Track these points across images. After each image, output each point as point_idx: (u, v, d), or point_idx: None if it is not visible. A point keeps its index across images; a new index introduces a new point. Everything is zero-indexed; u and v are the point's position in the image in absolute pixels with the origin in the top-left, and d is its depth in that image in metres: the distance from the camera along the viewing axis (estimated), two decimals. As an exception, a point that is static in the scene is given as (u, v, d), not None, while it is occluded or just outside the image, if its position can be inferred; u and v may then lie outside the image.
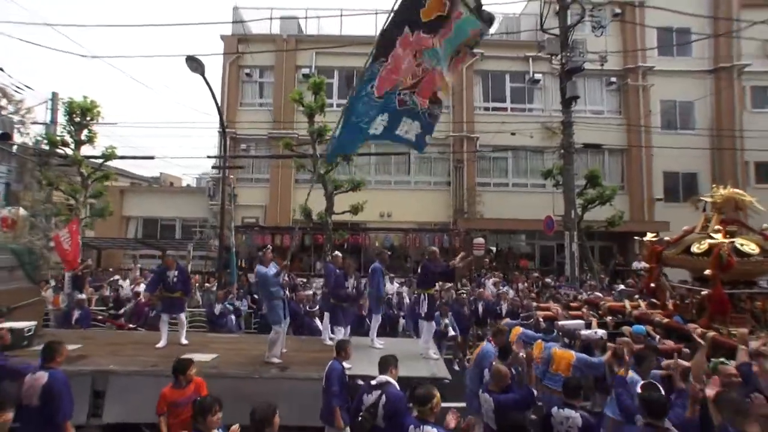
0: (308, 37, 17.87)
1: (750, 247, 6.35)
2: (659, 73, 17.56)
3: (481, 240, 14.39)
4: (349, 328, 6.58)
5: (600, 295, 9.61)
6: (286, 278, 9.08)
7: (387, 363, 4.06)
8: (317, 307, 8.54)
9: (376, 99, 5.37)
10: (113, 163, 14.60)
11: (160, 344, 6.65)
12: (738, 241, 6.39)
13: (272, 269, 6.32)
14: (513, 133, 15.48)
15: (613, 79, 17.21)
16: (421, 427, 3.23)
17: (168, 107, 70.97)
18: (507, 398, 3.86)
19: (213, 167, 16.48)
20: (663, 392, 3.38)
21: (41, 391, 3.90)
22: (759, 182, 17.45)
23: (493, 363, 4.29)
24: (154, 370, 5.51)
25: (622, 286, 11.57)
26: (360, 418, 4.01)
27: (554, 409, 3.63)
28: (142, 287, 10.33)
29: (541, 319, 7.06)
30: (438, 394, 3.45)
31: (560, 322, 6.54)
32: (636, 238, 9.12)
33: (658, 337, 5.97)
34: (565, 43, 11.31)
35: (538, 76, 17.20)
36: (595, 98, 17.53)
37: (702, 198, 7.49)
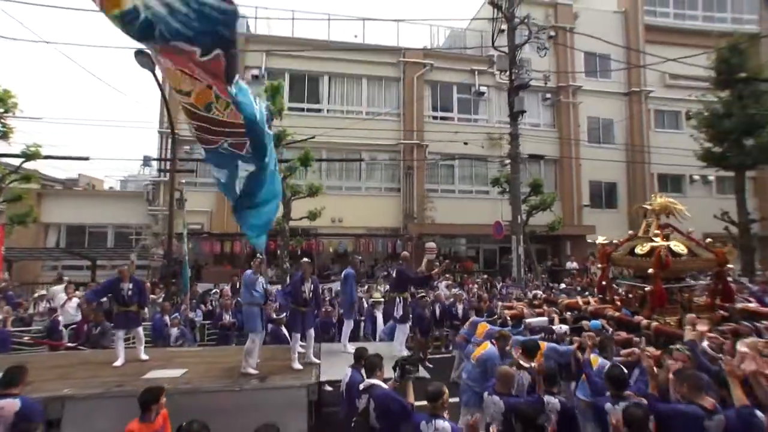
0: (259, 37, 17.35)
1: (680, 248, 7.41)
2: (586, 92, 19.52)
3: (432, 244, 14.85)
4: (312, 332, 6.46)
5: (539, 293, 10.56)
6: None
7: (373, 366, 4.18)
8: (283, 314, 8.37)
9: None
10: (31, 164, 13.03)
11: (118, 362, 6.07)
12: (672, 244, 7.45)
13: (260, 279, 6.13)
14: (466, 143, 16.28)
15: (548, 96, 18.77)
16: (433, 422, 3.36)
17: (98, 105, 64.49)
18: (518, 402, 3.96)
19: (160, 170, 15.31)
20: (624, 371, 4.00)
21: (14, 419, 3.51)
22: (661, 191, 19.91)
23: (500, 366, 4.53)
24: (121, 391, 5.07)
25: (563, 285, 12.64)
26: (353, 423, 4.09)
27: None
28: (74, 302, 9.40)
29: (508, 317, 7.49)
30: (447, 391, 3.65)
31: (527, 320, 7.07)
32: (591, 240, 10.08)
33: (611, 329, 6.65)
34: (514, 61, 12.17)
35: (483, 88, 18.23)
36: (532, 112, 18.84)
37: (643, 206, 8.53)
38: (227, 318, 9.28)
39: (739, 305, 7.55)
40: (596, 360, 4.78)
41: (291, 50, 16.78)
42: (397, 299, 7.10)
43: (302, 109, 14.13)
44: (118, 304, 6.46)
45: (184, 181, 13.03)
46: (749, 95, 15.77)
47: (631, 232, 8.56)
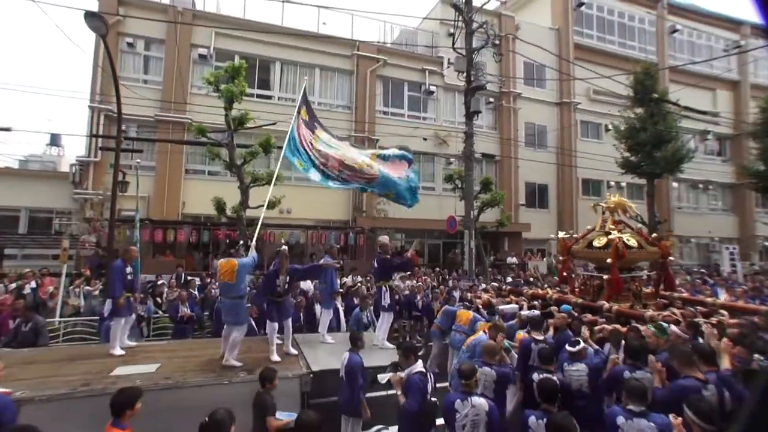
0: (207, 14, 16.23)
1: (632, 241, 8.31)
2: (525, 99, 21.02)
3: (385, 238, 15.04)
4: (290, 322, 6.33)
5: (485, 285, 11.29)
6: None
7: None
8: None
9: (298, 140, 7.22)
10: None
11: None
12: (625, 237, 8.32)
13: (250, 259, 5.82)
14: (425, 139, 16.67)
15: (491, 100, 19.88)
16: (469, 399, 3.54)
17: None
18: (506, 370, 4.51)
19: (101, 148, 13.57)
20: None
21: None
22: (584, 194, 22.24)
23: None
24: (90, 390, 4.54)
25: (509, 279, 13.51)
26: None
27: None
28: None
29: (480, 306, 7.89)
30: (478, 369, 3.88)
31: (500, 307, 7.54)
32: (552, 238, 10.85)
33: (575, 314, 7.31)
34: (471, 63, 12.75)
35: (432, 88, 18.77)
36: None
37: (599, 204, 9.40)
38: (184, 311, 8.58)
39: (675, 294, 8.70)
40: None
41: (242, 32, 15.90)
42: (383, 288, 7.13)
43: (252, 95, 13.49)
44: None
45: (138, 161, 11.71)
46: (659, 114, 18.09)
47: (588, 227, 9.35)
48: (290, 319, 6.24)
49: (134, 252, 6.15)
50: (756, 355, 4.18)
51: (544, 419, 3.34)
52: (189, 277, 11.28)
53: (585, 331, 5.50)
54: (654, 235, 9.60)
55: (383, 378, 3.82)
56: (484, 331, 5.92)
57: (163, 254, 13.65)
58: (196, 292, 9.98)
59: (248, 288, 6.19)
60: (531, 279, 13.51)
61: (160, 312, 9.40)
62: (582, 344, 4.73)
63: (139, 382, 4.60)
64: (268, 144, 10.81)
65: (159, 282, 10.47)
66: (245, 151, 10.99)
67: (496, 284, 11.37)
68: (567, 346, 4.70)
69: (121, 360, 5.52)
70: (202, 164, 16.22)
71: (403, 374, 3.85)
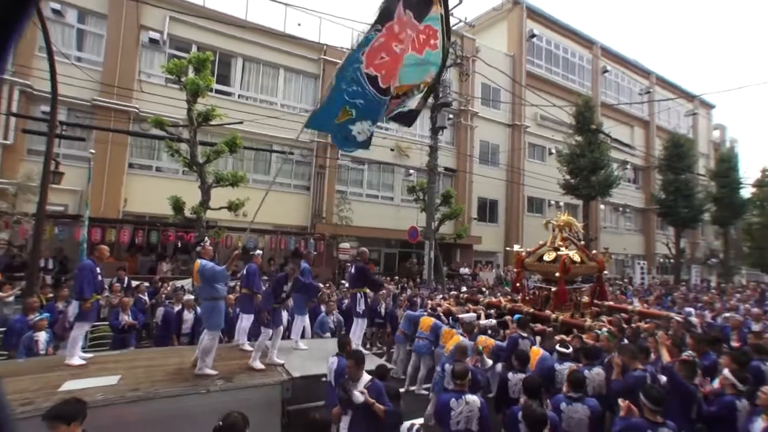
0: (162, -5, 15.09)
1: (576, 257, 9.14)
2: (481, 118, 22.03)
3: (346, 245, 14.97)
4: (281, 330, 6.16)
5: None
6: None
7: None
8: (237, 309, 7.61)
9: (366, 77, 4.80)
10: None
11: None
12: (571, 253, 9.10)
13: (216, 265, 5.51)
14: (392, 149, 16.78)
15: (451, 116, 20.55)
16: (463, 397, 3.85)
17: None
18: (476, 369, 5.03)
19: (25, 131, 11.89)
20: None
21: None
22: (529, 211, 23.70)
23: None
24: (35, 409, 3.82)
25: (464, 288, 13.94)
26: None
27: None
28: None
29: (441, 314, 8.22)
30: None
31: (460, 316, 7.87)
32: (502, 250, 11.28)
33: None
34: (438, 81, 13.16)
35: (395, 100, 19.02)
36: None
37: (550, 221, 10.11)
38: (126, 318, 7.82)
39: (606, 303, 9.70)
40: (538, 351, 5.76)
41: (200, 20, 14.98)
42: (359, 294, 7.09)
43: (210, 89, 12.70)
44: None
45: (93, 151, 10.33)
46: (595, 143, 19.89)
47: (540, 242, 10.05)
48: (281, 327, 5.98)
49: (105, 251, 5.61)
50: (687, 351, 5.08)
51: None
52: (134, 281, 10.33)
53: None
54: (594, 251, 10.57)
55: (359, 398, 3.76)
56: (462, 334, 6.37)
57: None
58: (146, 298, 9.16)
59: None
60: (483, 289, 14.06)
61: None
62: (571, 348, 5.23)
63: (101, 396, 4.22)
64: (235, 143, 10.29)
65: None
66: (209, 149, 10.35)
67: (455, 293, 11.74)
68: (558, 347, 5.35)
69: (69, 374, 4.89)
70: (149, 159, 15.04)
71: (361, 385, 3.88)
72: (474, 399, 3.86)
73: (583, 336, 6.40)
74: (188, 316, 7.90)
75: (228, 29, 15.35)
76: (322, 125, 5.49)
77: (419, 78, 5.42)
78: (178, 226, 12.41)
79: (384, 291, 12.10)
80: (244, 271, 6.78)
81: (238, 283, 8.07)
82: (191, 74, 10.33)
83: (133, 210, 14.31)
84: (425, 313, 8.26)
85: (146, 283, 9.82)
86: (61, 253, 12.33)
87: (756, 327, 7.87)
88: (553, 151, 24.00)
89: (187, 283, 10.28)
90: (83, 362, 5.20)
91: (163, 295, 9.29)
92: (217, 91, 15.40)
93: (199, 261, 5.43)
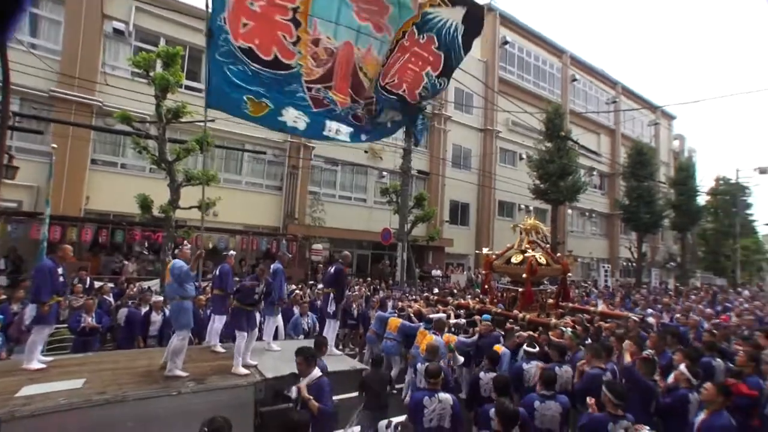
0: (125, -19, 14.48)
1: (543, 259, 9.48)
2: (454, 122, 22.37)
3: (319, 246, 14.87)
4: (255, 332, 6.09)
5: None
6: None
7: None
8: (209, 311, 7.44)
9: (240, 51, 4.08)
10: None
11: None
12: (538, 255, 9.43)
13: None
14: (366, 151, 16.73)
15: (425, 120, 20.79)
16: (436, 395, 3.96)
17: None
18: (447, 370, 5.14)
19: None
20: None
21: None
22: (500, 215, 24.23)
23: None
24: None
25: (435, 290, 14.11)
26: None
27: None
28: None
29: (412, 314, 8.35)
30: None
31: (430, 316, 7.93)
32: (474, 253, 11.45)
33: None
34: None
35: (371, 101, 19.07)
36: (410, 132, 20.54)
37: (518, 224, 10.43)
38: (88, 320, 7.49)
39: (570, 304, 10.06)
40: (500, 348, 6.03)
41: (168, 12, 14.51)
42: (331, 295, 7.13)
43: (180, 85, 12.33)
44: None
45: (54, 146, 9.75)
46: (563, 149, 20.55)
47: (508, 245, 10.34)
48: (255, 329, 5.91)
49: (69, 251, 5.38)
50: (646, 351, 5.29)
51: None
52: (97, 282, 9.90)
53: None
54: (559, 254, 10.97)
55: (293, 392, 3.87)
56: (435, 333, 6.53)
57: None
58: (111, 299, 8.81)
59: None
60: (454, 291, 14.27)
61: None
62: (538, 348, 5.41)
63: (64, 400, 4.07)
64: (206, 141, 10.01)
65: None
66: (179, 146, 10.05)
67: (426, 294, 11.92)
68: (525, 346, 5.57)
69: (27, 378, 4.67)
70: (114, 155, 14.46)
71: (305, 382, 3.93)
72: (447, 397, 3.95)
73: (550, 333, 6.64)
74: (156, 318, 7.69)
75: (199, 24, 14.93)
76: (231, 108, 4.63)
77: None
78: (145, 225, 12.00)
79: (357, 292, 12.15)
80: (217, 272, 6.66)
81: (209, 284, 7.91)
82: (159, 69, 10.01)
83: (96, 208, 13.73)
84: (395, 314, 8.37)
85: (111, 284, 9.44)
86: (14, 252, 11.68)
87: (707, 326, 8.32)
88: (524, 156, 24.66)
89: (154, 284, 9.98)
90: (43, 366, 4.97)
91: (129, 298, 8.96)
92: (188, 87, 15.01)
93: (174, 260, 5.36)
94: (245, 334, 5.64)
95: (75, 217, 12.54)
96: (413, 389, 5.87)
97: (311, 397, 3.79)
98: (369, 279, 14.61)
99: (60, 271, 5.20)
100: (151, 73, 9.67)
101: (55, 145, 9.85)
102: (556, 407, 4.03)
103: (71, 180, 13.06)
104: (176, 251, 5.79)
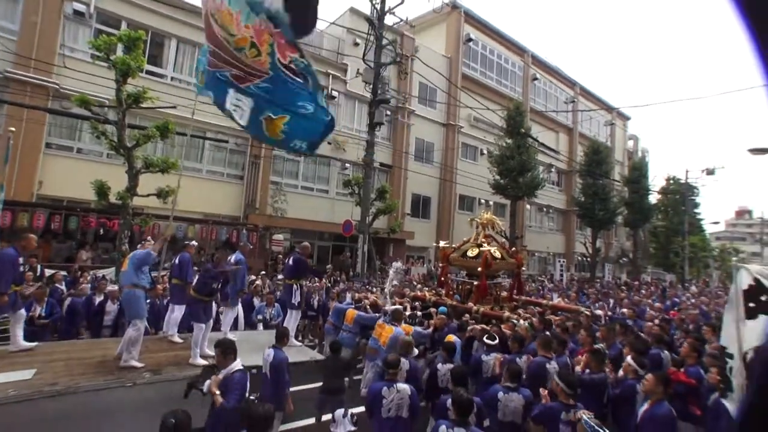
0: (89, -35, 13.91)
1: (497, 253, 9.86)
2: (417, 116, 22.71)
3: (280, 237, 14.96)
4: (211, 323, 6.22)
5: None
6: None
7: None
8: (166, 300, 7.47)
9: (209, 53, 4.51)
10: None
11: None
12: (493, 249, 9.80)
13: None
14: (329, 143, 16.76)
15: (388, 113, 21.00)
16: (394, 385, 4.07)
17: None
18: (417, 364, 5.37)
19: None
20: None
21: None
22: (460, 209, 24.93)
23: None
24: None
25: (395, 282, 14.52)
26: None
27: None
28: None
29: (368, 306, 8.43)
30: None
31: (386, 308, 8.05)
32: (433, 246, 11.72)
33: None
34: (378, 77, 13.55)
35: (335, 93, 19.10)
36: (374, 125, 20.78)
37: (474, 218, 10.83)
38: (39, 311, 7.35)
39: (523, 297, 10.57)
40: (451, 337, 6.22)
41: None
42: (294, 286, 7.27)
43: (141, 70, 11.96)
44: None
45: (13, 129, 9.14)
46: (523, 146, 21.33)
47: (465, 238, 10.74)
48: (210, 320, 6.04)
49: (33, 241, 5.38)
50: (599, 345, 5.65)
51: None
52: (49, 270, 9.62)
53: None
54: (513, 249, 11.44)
55: (205, 385, 3.71)
56: (394, 324, 6.59)
57: (9, 242, 11.32)
58: (63, 287, 8.64)
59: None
60: (414, 283, 14.74)
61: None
62: (497, 339, 5.69)
63: (13, 392, 4.10)
64: (167, 128, 9.92)
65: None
66: (139, 133, 9.90)
67: (383, 286, 12.10)
68: (485, 338, 5.66)
69: None
70: (69, 139, 13.94)
71: (221, 375, 3.78)
72: (405, 387, 4.07)
73: (502, 326, 6.90)
74: (111, 308, 7.58)
75: (162, 8, 14.57)
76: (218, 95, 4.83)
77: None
78: (101, 212, 11.73)
79: (318, 284, 12.39)
80: (176, 261, 6.65)
81: (167, 274, 7.89)
82: (121, 53, 9.78)
83: (49, 193, 13.25)
84: (353, 306, 8.45)
85: (63, 272, 9.25)
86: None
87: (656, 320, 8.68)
88: (485, 151, 25.41)
89: (109, 272, 9.85)
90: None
91: (84, 285, 8.79)
92: (148, 72, 14.58)
93: (135, 251, 5.47)
94: (203, 325, 5.77)
95: (26, 202, 12.09)
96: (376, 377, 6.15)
97: (218, 392, 3.59)
98: (329, 270, 14.86)
99: (20, 260, 5.20)
100: (112, 57, 9.44)
101: (12, 129, 9.42)
102: (519, 399, 4.10)
103: (24, 164, 12.54)
104: (138, 246, 5.85)
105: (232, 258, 7.02)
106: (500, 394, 4.13)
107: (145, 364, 5.24)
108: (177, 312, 6.57)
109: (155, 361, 5.53)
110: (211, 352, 5.73)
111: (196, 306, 5.88)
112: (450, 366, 5.05)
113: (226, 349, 3.87)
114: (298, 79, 4.13)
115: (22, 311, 5.54)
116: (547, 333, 6.08)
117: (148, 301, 6.18)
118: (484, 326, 6.62)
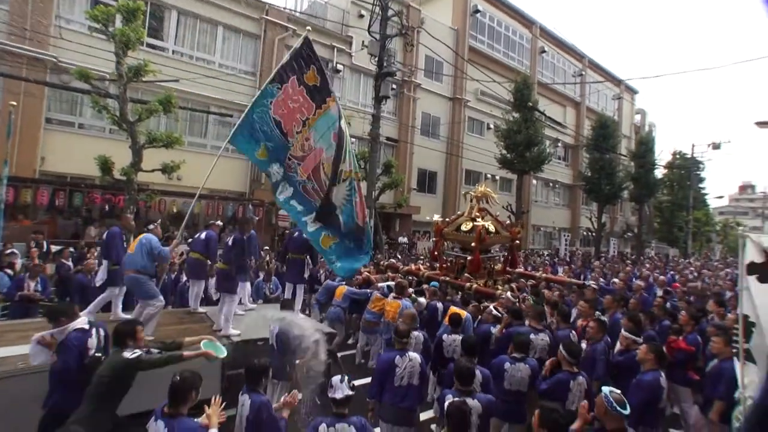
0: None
1: (491, 227, 9.67)
2: (423, 90, 22.29)
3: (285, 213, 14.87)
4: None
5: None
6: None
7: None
8: (173, 275, 7.48)
9: (273, 120, 5.76)
10: None
11: None
12: (487, 224, 9.62)
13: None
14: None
15: (394, 86, 20.61)
16: (406, 354, 4.13)
17: None
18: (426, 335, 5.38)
19: None
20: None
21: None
22: (467, 183, 24.71)
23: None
24: None
25: (399, 257, 14.56)
26: None
27: None
28: None
29: (358, 284, 8.36)
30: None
31: (379, 284, 7.95)
32: (416, 219, 11.56)
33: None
34: (384, 49, 13.17)
35: (339, 66, 18.72)
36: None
37: (469, 192, 10.61)
38: (31, 287, 7.04)
39: (517, 270, 10.40)
40: (463, 312, 5.98)
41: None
42: (305, 261, 7.19)
43: (141, 42, 11.69)
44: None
45: (14, 103, 8.87)
46: (530, 120, 20.93)
47: (459, 212, 10.52)
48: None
49: (128, 219, 5.65)
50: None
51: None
52: (55, 246, 9.56)
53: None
54: (508, 222, 11.20)
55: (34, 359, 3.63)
56: (398, 297, 6.57)
57: (14, 219, 11.37)
58: (70, 264, 8.58)
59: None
60: (420, 258, 14.77)
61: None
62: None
63: (22, 364, 3.96)
64: (170, 102, 9.74)
65: (7, 251, 8.54)
66: (142, 107, 9.74)
67: (376, 260, 11.90)
68: (493, 311, 5.75)
69: None
70: (70, 114, 13.80)
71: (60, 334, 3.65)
72: (415, 356, 4.15)
73: (494, 305, 6.55)
74: None
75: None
76: (246, 149, 5.99)
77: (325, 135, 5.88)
78: (106, 187, 11.69)
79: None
80: (202, 236, 6.63)
81: (186, 250, 7.82)
82: (119, 24, 9.52)
83: (51, 170, 13.22)
84: (343, 283, 8.25)
85: (71, 248, 9.27)
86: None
87: (659, 292, 8.78)
88: (492, 126, 25.02)
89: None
90: None
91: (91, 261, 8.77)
92: (149, 45, 14.30)
93: (147, 235, 5.39)
94: (235, 296, 5.81)
95: (29, 178, 12.06)
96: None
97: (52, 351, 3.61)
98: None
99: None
100: (111, 29, 9.18)
101: (14, 102, 9.25)
102: (526, 369, 4.18)
103: (24, 140, 12.45)
104: (151, 227, 5.79)
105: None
106: (507, 365, 4.21)
107: (155, 337, 5.22)
108: (197, 287, 6.62)
109: (164, 334, 5.49)
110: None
111: (225, 278, 5.88)
112: (456, 336, 5.10)
113: (52, 313, 3.79)
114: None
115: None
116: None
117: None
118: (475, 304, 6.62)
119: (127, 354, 3.28)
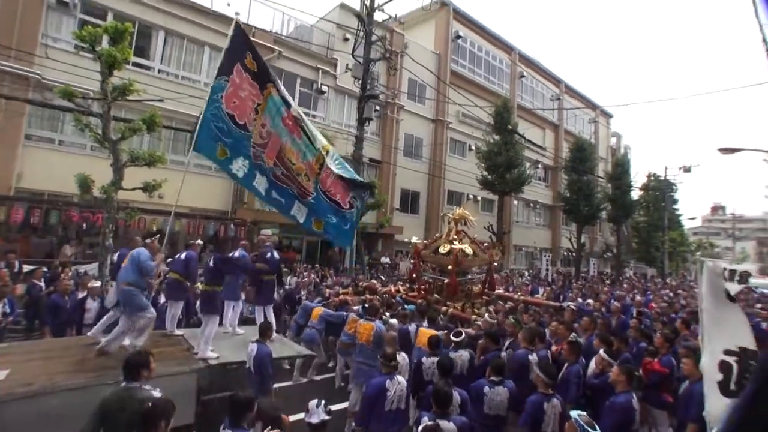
0: (74, -44, 13.57)
1: (468, 250, 9.70)
2: (406, 112, 22.74)
3: (268, 231, 14.78)
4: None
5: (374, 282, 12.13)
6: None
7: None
8: (163, 298, 7.36)
9: (227, 115, 5.58)
10: None
11: None
12: (464, 246, 9.71)
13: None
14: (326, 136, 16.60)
15: (377, 108, 20.98)
16: (395, 377, 4.16)
17: None
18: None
19: None
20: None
21: None
22: (449, 204, 25.00)
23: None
24: None
25: (382, 277, 14.60)
26: None
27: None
28: None
29: (333, 306, 8.37)
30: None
31: (355, 307, 7.93)
32: (399, 239, 11.70)
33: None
34: (368, 72, 13.51)
35: (324, 87, 19.01)
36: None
37: (447, 214, 10.74)
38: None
39: (495, 292, 10.42)
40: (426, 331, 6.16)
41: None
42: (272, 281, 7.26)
43: (128, 62, 11.72)
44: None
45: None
46: (510, 142, 21.49)
47: (437, 234, 10.64)
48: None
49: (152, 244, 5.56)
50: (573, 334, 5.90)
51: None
52: (27, 266, 9.29)
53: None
54: (485, 244, 11.31)
55: None
56: (371, 320, 6.46)
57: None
58: (42, 284, 8.37)
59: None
60: (402, 278, 14.83)
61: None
62: (464, 335, 5.74)
63: None
64: (154, 121, 9.74)
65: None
66: (125, 125, 9.71)
67: (355, 281, 11.97)
68: (452, 336, 5.61)
69: None
70: (51, 131, 13.64)
71: None
72: (402, 379, 4.20)
73: (470, 329, 6.66)
74: (92, 305, 7.28)
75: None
76: (209, 153, 5.79)
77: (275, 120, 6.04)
78: (83, 206, 11.51)
79: (305, 279, 12.35)
80: (182, 256, 6.61)
81: (164, 270, 7.75)
82: (106, 44, 9.56)
83: (28, 186, 12.96)
84: (321, 304, 8.29)
85: (44, 268, 9.07)
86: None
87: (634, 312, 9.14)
88: (473, 147, 25.56)
89: (92, 268, 9.68)
90: None
91: (66, 282, 8.57)
92: (135, 64, 14.32)
93: (140, 249, 5.41)
94: (216, 317, 5.73)
95: (4, 195, 11.81)
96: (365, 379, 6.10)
97: None
98: (317, 266, 14.86)
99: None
100: (97, 49, 9.20)
101: None
102: (505, 392, 4.21)
103: (2, 156, 12.26)
104: (147, 241, 5.80)
105: (236, 253, 6.95)
106: (486, 389, 4.22)
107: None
108: (175, 309, 6.51)
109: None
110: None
111: (208, 299, 5.84)
112: (435, 359, 5.01)
113: None
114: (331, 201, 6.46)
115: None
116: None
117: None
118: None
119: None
